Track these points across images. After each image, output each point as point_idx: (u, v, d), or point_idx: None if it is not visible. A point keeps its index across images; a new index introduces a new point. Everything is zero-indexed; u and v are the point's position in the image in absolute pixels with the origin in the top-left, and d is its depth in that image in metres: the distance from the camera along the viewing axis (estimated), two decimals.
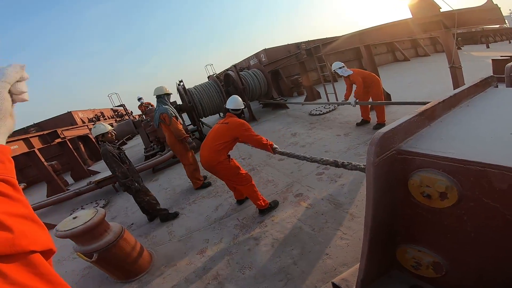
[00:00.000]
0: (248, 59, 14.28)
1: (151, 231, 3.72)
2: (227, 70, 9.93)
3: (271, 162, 4.82)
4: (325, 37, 12.80)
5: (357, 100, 5.03)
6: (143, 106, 11.89)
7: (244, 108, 3.55)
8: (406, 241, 1.45)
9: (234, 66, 8.74)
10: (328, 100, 6.93)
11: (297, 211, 3.19)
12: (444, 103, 1.47)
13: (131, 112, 17.59)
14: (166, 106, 4.51)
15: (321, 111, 7.11)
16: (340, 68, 5.30)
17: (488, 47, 18.75)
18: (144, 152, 7.81)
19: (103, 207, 5.03)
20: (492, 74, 2.02)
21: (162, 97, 4.64)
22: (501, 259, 1.12)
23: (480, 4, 4.38)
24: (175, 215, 3.77)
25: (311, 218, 2.99)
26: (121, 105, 15.64)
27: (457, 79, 4.59)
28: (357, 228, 2.60)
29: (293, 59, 9.08)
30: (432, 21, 4.69)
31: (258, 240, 2.89)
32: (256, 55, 13.63)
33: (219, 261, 2.77)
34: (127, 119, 11.67)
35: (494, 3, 4.29)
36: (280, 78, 11.60)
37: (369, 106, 5.44)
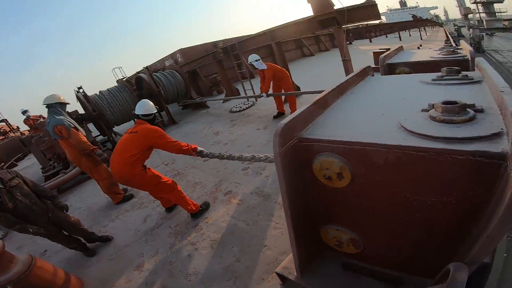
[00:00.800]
0: (163, 60, 13.44)
1: (72, 255, 3.18)
2: (139, 72, 9.09)
3: (196, 164, 4.69)
4: (243, 35, 13.18)
5: (267, 93, 5.43)
6: (31, 120, 9.78)
7: (157, 112, 3.29)
8: (325, 222, 1.58)
9: (147, 68, 8.02)
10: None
11: (229, 209, 3.18)
12: (333, 92, 1.65)
13: (18, 127, 14.28)
14: (61, 117, 3.77)
15: (241, 107, 7.29)
16: (256, 60, 5.52)
17: (371, 41, 22.43)
18: (43, 173, 6.44)
19: (1, 238, 4.02)
20: (369, 65, 2.42)
21: (54, 106, 3.84)
22: (401, 231, 1.28)
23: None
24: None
25: (244, 213, 3.01)
26: (2, 121, 12.56)
27: (348, 70, 5.34)
28: None
29: (210, 58, 8.96)
30: (328, 18, 5.28)
31: (196, 245, 2.78)
32: (172, 55, 12.93)
33: (161, 273, 2.60)
34: (12, 136, 9.42)
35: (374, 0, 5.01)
36: (198, 78, 11.30)
37: (283, 99, 5.86)
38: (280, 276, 1.87)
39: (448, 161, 0.87)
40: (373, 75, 2.29)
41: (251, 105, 7.31)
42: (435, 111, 1.04)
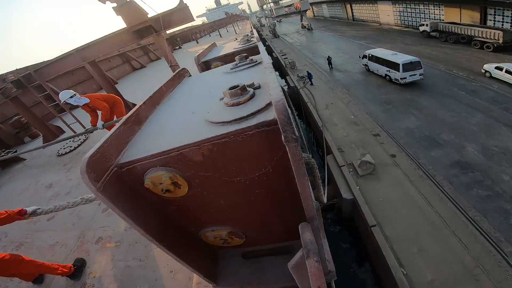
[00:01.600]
0: None
1: None
2: None
3: (39, 227, 3.72)
4: (43, 60, 10.63)
5: (104, 123, 4.60)
6: None
7: None
8: (199, 228, 1.51)
9: None
10: (74, 132, 5.85)
11: (110, 255, 2.87)
12: (146, 105, 1.54)
13: None
14: None
15: (71, 146, 6.03)
16: (71, 97, 4.43)
17: (197, 42, 23.69)
18: None
19: None
20: (184, 67, 2.46)
21: None
22: (257, 209, 1.33)
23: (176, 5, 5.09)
24: None
25: (129, 252, 2.80)
26: None
27: None
28: None
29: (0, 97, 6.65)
30: (143, 27, 5.01)
31: None
32: None
33: None
34: None
35: (184, 2, 5.09)
36: None
37: None
38: None
39: (246, 138, 0.98)
40: (190, 76, 2.35)
41: (84, 140, 6.15)
42: (226, 97, 1.14)
